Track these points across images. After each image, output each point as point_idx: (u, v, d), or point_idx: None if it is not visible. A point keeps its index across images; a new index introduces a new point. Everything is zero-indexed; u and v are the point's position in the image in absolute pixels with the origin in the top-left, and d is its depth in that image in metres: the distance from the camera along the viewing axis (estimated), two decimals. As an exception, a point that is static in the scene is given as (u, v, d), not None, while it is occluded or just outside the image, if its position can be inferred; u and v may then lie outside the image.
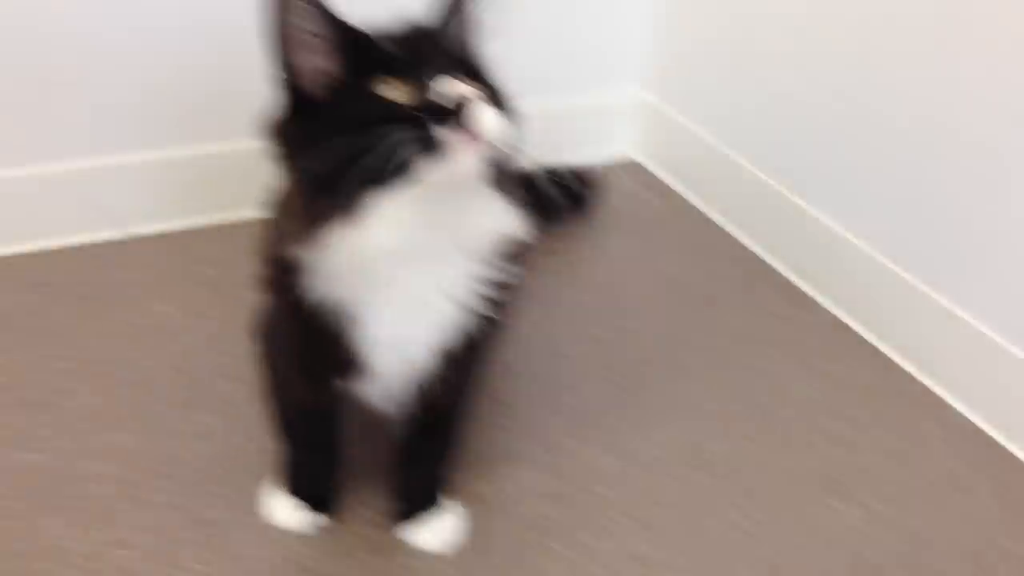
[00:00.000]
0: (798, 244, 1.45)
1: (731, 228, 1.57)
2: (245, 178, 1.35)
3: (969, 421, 1.23)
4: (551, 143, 1.71)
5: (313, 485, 1.01)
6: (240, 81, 1.40)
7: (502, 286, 0.85)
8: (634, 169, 1.73)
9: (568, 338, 1.31)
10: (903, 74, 1.25)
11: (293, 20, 0.75)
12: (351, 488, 1.05)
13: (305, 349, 0.87)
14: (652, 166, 1.73)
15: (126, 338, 1.23)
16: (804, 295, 1.44)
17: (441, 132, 0.72)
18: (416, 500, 1.02)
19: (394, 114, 0.72)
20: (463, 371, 0.90)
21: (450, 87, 0.74)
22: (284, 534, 1.00)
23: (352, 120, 0.73)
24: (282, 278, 0.83)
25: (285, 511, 1.01)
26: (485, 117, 0.73)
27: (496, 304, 0.86)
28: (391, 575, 0.97)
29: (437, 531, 1.01)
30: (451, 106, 0.72)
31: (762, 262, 1.50)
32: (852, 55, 1.32)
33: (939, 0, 1.18)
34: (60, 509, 1.00)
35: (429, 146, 0.72)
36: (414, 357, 0.85)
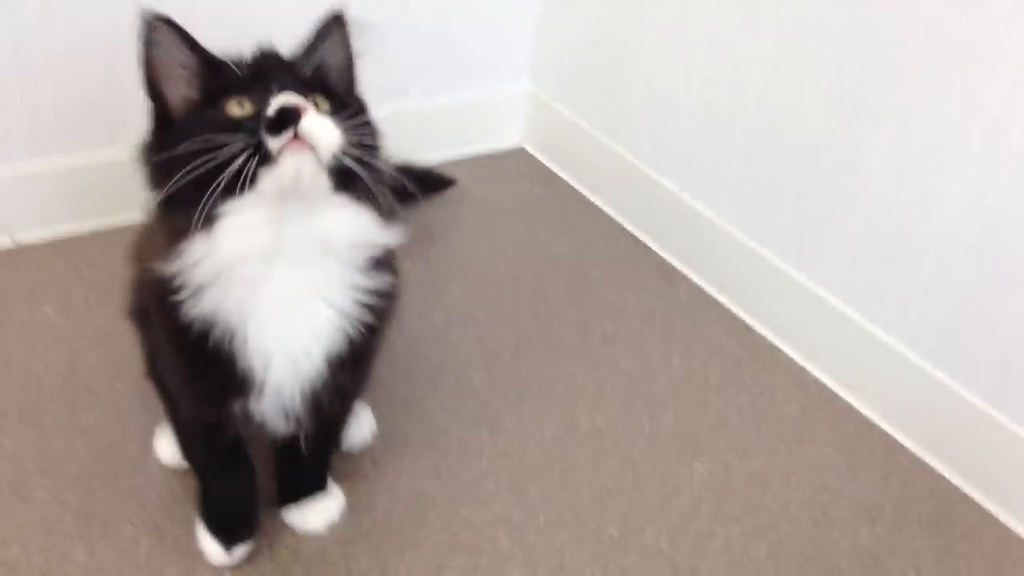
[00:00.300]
0: (671, 225, 1.53)
1: (610, 211, 1.65)
2: (132, 183, 1.38)
3: (815, 378, 1.33)
4: (444, 136, 1.78)
5: (231, 517, 1.02)
6: (125, 88, 1.43)
7: (377, 292, 0.89)
8: (521, 158, 1.80)
9: (448, 321, 1.37)
10: (766, 62, 1.34)
11: (158, 51, 0.82)
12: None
13: (194, 371, 0.89)
14: (538, 155, 1.80)
15: (13, 342, 1.26)
16: (677, 272, 1.52)
17: (270, 140, 0.77)
18: (301, 487, 1.07)
19: (232, 127, 0.78)
20: (351, 378, 0.94)
21: (282, 100, 0.79)
22: (167, 520, 1.04)
23: (195, 135, 0.78)
24: (159, 302, 0.85)
25: (212, 547, 1.01)
26: (311, 125, 0.78)
27: (374, 310, 0.90)
28: (277, 556, 1.03)
29: (319, 512, 1.07)
30: (282, 117, 0.78)
31: (638, 242, 1.58)
32: (720, 47, 1.40)
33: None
34: (-52, 511, 1.03)
35: (263, 155, 0.77)
36: (302, 367, 0.88)
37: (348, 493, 1.09)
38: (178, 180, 0.77)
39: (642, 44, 1.52)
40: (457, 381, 1.27)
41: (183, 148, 0.77)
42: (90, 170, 1.45)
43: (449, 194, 1.64)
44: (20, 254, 1.42)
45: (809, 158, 1.29)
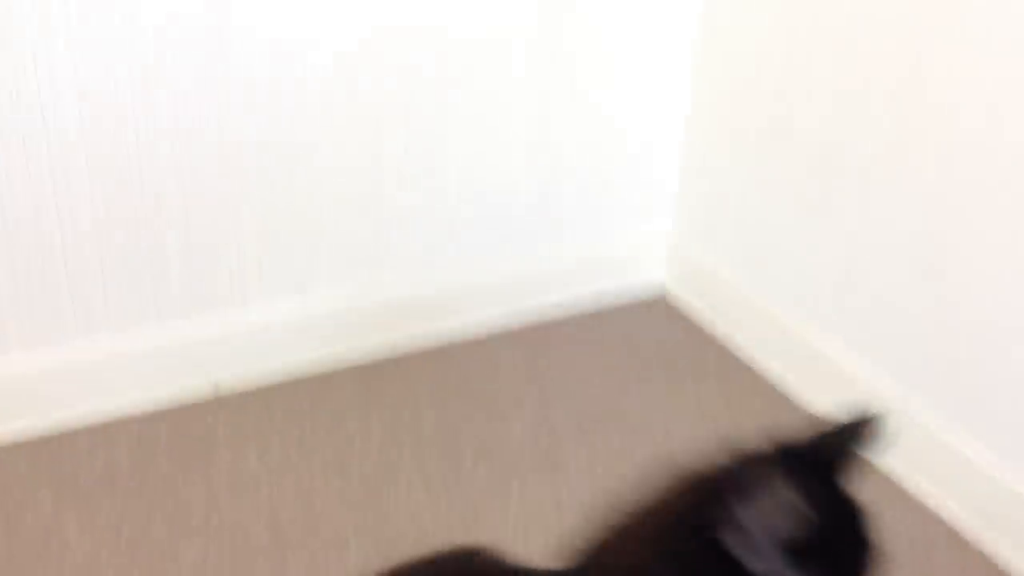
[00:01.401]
0: (822, 378, 1.52)
1: (756, 363, 1.65)
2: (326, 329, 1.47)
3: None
4: (585, 280, 1.81)
5: None
6: (324, 230, 1.53)
7: None
8: (662, 305, 1.82)
9: (612, 478, 1.41)
10: (912, 211, 1.30)
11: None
12: None
13: None
14: (679, 302, 1.82)
15: (225, 494, 1.34)
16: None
17: None
18: None
19: None
20: None
21: None
22: None
23: None
24: None
25: None
26: None
27: None
28: None
29: None
30: None
31: (786, 396, 1.59)
32: (862, 194, 1.39)
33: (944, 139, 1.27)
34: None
35: None
36: None
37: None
38: None
39: (786, 189, 1.51)
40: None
41: None
42: (286, 319, 1.58)
43: (592, 346, 1.67)
44: (221, 402, 1.54)
45: (985, 314, 1.20)
